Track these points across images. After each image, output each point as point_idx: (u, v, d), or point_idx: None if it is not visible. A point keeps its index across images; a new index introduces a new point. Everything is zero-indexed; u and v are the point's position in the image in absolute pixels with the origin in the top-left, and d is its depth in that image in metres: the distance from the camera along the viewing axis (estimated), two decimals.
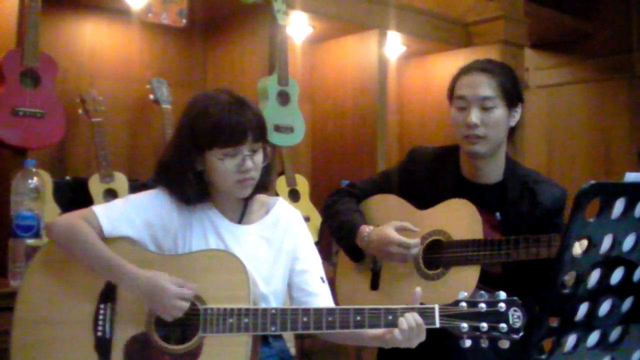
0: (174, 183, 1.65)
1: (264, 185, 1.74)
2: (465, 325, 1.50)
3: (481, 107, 1.90)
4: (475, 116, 1.89)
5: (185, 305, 1.53)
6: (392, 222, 1.98)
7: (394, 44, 3.72)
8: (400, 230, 1.96)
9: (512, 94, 1.94)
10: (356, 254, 2.07)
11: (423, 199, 2.02)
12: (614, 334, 1.25)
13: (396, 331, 1.52)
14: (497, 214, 1.96)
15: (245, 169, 1.61)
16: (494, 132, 1.91)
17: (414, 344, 1.54)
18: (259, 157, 1.65)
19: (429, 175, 2.04)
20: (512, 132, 1.98)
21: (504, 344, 1.50)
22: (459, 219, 1.93)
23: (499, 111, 1.91)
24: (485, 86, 1.91)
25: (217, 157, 1.61)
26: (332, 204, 2.14)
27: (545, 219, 1.91)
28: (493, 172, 1.98)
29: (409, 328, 1.51)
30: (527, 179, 1.97)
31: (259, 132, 1.63)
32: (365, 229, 2.00)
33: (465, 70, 1.97)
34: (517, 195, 1.95)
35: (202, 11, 3.19)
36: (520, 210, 1.93)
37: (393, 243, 1.93)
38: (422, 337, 1.53)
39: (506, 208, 1.95)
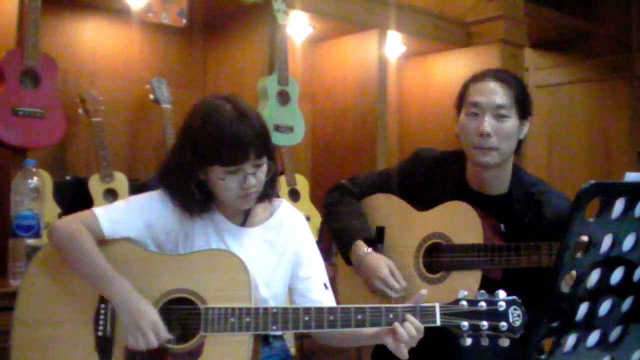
0: (176, 194, 1.64)
1: (267, 196, 1.72)
2: (465, 323, 1.51)
3: (495, 116, 1.86)
4: (488, 125, 1.84)
5: (153, 340, 1.49)
6: (387, 260, 1.97)
7: (394, 44, 3.72)
8: (391, 272, 1.95)
9: (525, 106, 1.91)
10: (349, 260, 2.07)
11: (423, 202, 2.01)
12: (614, 334, 1.25)
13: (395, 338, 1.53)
14: (502, 225, 1.93)
15: (247, 186, 1.59)
16: (506, 143, 1.87)
17: (413, 345, 1.54)
18: (262, 173, 1.62)
19: (430, 179, 2.02)
20: (519, 144, 1.94)
21: (504, 343, 1.51)
22: (458, 222, 1.91)
23: (512, 122, 1.87)
24: (501, 95, 1.86)
25: (219, 176, 1.59)
26: (333, 202, 2.13)
27: (551, 232, 1.86)
28: (499, 183, 1.94)
29: (409, 337, 1.52)
30: (533, 190, 1.92)
31: (262, 147, 1.60)
32: (362, 248, 1.99)
33: (479, 77, 1.92)
34: (522, 207, 1.91)
35: (202, 11, 3.19)
36: (525, 223, 1.90)
37: (380, 280, 1.94)
38: (421, 335, 1.54)
39: (511, 220, 1.92)
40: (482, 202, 1.92)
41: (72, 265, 1.58)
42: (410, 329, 1.51)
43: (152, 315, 1.51)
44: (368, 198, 2.13)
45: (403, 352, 1.52)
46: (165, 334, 1.52)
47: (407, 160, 2.11)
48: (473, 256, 1.85)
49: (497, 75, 1.92)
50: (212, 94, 1.70)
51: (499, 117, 1.86)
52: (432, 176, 2.02)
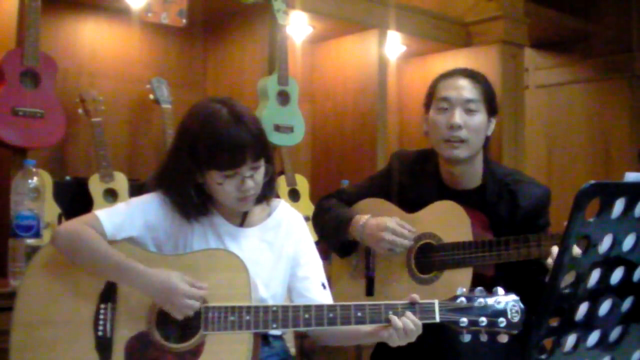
0: (174, 197, 1.65)
1: (266, 198, 1.72)
2: (464, 319, 1.52)
3: (465, 110, 1.90)
4: (459, 117, 1.89)
5: (196, 304, 1.53)
6: (393, 217, 1.97)
7: (394, 44, 3.72)
8: (400, 225, 1.95)
9: (492, 103, 1.96)
10: (343, 249, 2.07)
11: (407, 203, 2.02)
12: (614, 334, 1.25)
13: (391, 330, 1.54)
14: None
15: (245, 189, 1.60)
16: (475, 136, 1.91)
17: (412, 339, 1.56)
18: (260, 175, 1.63)
19: (411, 180, 2.04)
20: (486, 141, 1.98)
21: (503, 339, 1.53)
22: (447, 221, 1.92)
23: (481, 116, 1.92)
24: (470, 89, 1.92)
25: (217, 180, 1.59)
26: (321, 205, 2.15)
27: (527, 221, 1.90)
28: (471, 177, 1.98)
29: (404, 328, 1.53)
30: (507, 180, 1.95)
31: (259, 150, 1.60)
32: (363, 217, 1.99)
33: (447, 75, 1.98)
34: (496, 198, 1.94)
35: (202, 11, 3.19)
36: (501, 213, 1.92)
37: (389, 229, 1.92)
38: (419, 332, 1.55)
39: (486, 212, 1.94)
40: (458, 198, 1.93)
41: (83, 263, 1.59)
42: (408, 324, 1.53)
43: (180, 283, 1.53)
44: (356, 204, 2.12)
45: (394, 340, 1.54)
46: (201, 289, 1.54)
47: (386, 165, 2.15)
48: (464, 254, 1.87)
49: (466, 72, 1.97)
50: (208, 98, 1.70)
51: (469, 111, 1.91)
52: (411, 177, 2.05)
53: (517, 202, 1.91)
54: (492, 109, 1.95)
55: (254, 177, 1.61)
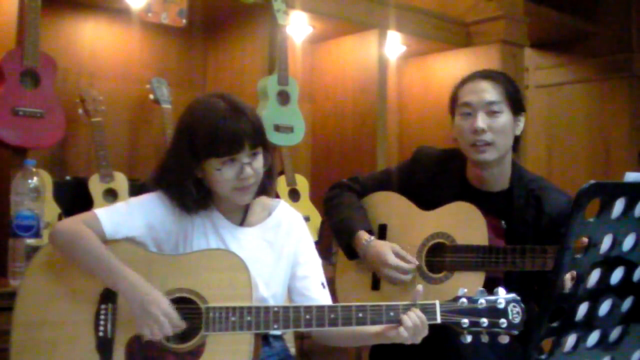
0: (174, 192, 1.65)
1: (266, 190, 1.72)
2: (465, 320, 1.52)
3: (487, 112, 1.88)
4: (482, 121, 1.87)
5: (168, 328, 1.50)
6: (390, 245, 1.97)
7: (394, 44, 3.72)
8: (397, 255, 1.95)
9: (517, 101, 1.93)
10: (351, 253, 2.07)
11: (425, 200, 2.01)
12: (614, 334, 1.25)
13: (401, 329, 1.54)
14: (502, 222, 1.94)
15: (244, 176, 1.60)
16: (501, 138, 1.89)
17: (418, 339, 1.56)
18: (259, 163, 1.63)
19: (433, 178, 2.03)
20: (516, 141, 1.96)
21: (504, 339, 1.53)
22: (463, 222, 1.91)
23: (505, 116, 1.90)
24: (490, 91, 1.90)
25: (215, 167, 1.60)
26: (334, 197, 2.13)
27: (551, 228, 1.88)
28: (499, 180, 1.96)
29: (414, 325, 1.53)
30: (533, 186, 1.94)
31: (257, 137, 1.61)
32: (364, 236, 1.99)
33: (467, 79, 1.96)
34: (523, 203, 1.92)
35: (202, 11, 3.19)
36: (526, 219, 1.91)
37: (390, 267, 1.93)
38: (426, 332, 1.56)
39: (512, 216, 1.92)
40: (483, 199, 1.92)
41: (77, 263, 1.58)
42: (414, 318, 1.53)
43: (164, 302, 1.51)
44: (370, 196, 2.12)
45: (405, 339, 1.54)
46: (178, 320, 1.52)
47: (408, 159, 2.13)
48: (477, 257, 1.85)
49: (485, 74, 1.95)
50: (206, 93, 1.71)
51: (491, 113, 1.89)
52: (434, 175, 2.03)
53: (543, 208, 1.89)
54: (517, 108, 1.93)
55: (253, 165, 1.61)
